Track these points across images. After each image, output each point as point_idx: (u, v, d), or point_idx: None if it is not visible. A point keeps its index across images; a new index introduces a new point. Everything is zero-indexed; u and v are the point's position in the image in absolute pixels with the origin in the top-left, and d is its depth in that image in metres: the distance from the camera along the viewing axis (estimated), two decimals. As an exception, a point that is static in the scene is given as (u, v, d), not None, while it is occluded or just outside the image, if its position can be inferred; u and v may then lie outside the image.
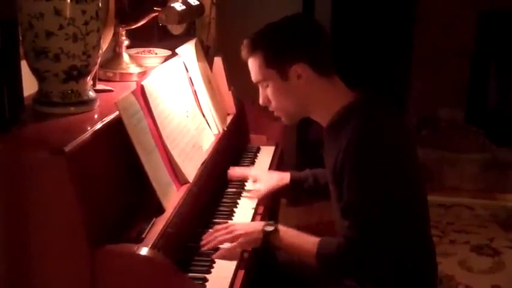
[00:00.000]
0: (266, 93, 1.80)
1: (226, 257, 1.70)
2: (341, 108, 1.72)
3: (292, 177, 2.15)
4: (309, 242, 1.72)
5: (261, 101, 1.83)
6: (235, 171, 2.22)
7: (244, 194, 2.14)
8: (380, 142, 1.65)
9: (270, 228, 1.74)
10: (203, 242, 1.76)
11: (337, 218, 1.78)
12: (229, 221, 1.92)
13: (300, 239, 1.75)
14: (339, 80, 1.78)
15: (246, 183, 2.22)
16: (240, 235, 1.74)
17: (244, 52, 1.79)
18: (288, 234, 1.75)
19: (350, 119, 1.68)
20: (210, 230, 1.82)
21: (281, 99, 1.77)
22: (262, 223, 1.78)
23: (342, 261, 1.68)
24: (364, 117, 1.68)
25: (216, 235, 1.76)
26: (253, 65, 1.78)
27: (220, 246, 1.74)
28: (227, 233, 1.75)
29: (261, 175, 2.19)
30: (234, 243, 1.72)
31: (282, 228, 1.75)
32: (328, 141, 1.78)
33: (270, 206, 2.21)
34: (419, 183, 1.76)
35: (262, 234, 1.73)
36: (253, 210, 2.03)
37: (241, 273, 1.67)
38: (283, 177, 2.15)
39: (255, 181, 2.18)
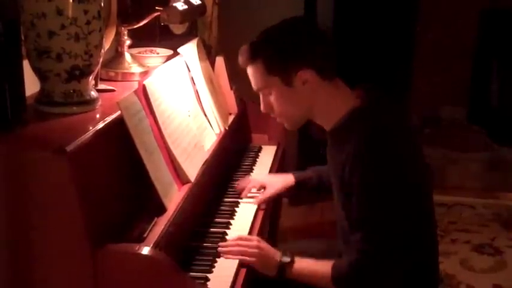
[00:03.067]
0: (268, 100, 1.76)
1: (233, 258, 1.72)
2: (346, 113, 1.70)
3: (296, 179, 2.14)
4: (323, 269, 1.69)
5: (262, 108, 1.80)
6: (242, 185, 2.16)
7: (245, 199, 2.10)
8: (388, 152, 1.62)
9: (287, 260, 1.71)
10: (223, 244, 1.76)
11: (342, 228, 1.77)
12: (231, 221, 1.93)
13: (313, 268, 1.71)
14: (342, 83, 1.75)
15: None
16: (258, 254, 1.72)
17: (242, 59, 1.74)
18: (302, 264, 1.72)
19: (355, 125, 1.66)
20: (220, 233, 1.85)
21: (285, 106, 1.74)
22: (280, 253, 1.73)
23: (356, 278, 1.64)
24: (370, 126, 1.65)
25: (239, 243, 1.75)
26: (253, 73, 1.73)
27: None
28: (249, 247, 1.73)
29: (266, 180, 2.16)
30: (251, 259, 1.71)
31: (297, 259, 1.72)
32: (333, 144, 1.76)
33: (271, 207, 2.21)
34: (426, 186, 1.74)
35: (278, 264, 1.71)
36: (254, 210, 2.03)
37: (243, 271, 1.68)
38: (287, 180, 2.15)
39: (261, 188, 2.15)
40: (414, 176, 1.67)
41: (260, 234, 1.91)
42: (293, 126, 1.82)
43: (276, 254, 1.73)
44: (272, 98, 1.74)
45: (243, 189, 2.13)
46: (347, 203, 1.67)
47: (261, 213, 2.04)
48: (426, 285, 1.80)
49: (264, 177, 2.22)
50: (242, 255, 1.72)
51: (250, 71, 1.74)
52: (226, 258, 1.71)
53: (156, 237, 1.50)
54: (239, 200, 2.09)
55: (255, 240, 1.78)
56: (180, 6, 2.14)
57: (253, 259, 1.71)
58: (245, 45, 1.74)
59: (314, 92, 1.69)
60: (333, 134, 1.75)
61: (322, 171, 2.10)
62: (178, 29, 2.67)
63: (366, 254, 1.61)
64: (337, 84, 1.74)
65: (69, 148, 1.36)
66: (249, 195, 2.11)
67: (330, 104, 1.72)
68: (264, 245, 1.76)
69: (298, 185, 2.14)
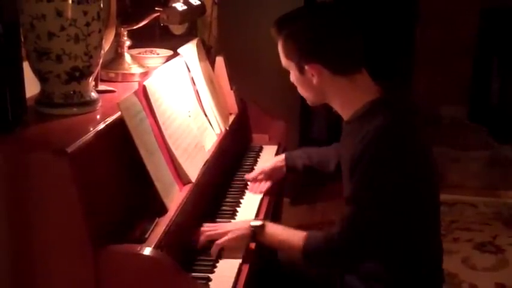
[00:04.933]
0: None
1: (225, 249, 1.74)
2: (363, 105, 1.70)
3: (287, 159, 2.22)
4: (295, 236, 1.73)
5: (291, 78, 1.81)
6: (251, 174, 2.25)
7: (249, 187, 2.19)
8: (399, 145, 1.63)
9: (257, 223, 1.77)
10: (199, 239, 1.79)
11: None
12: (233, 220, 1.93)
13: (286, 234, 1.77)
14: (363, 77, 1.74)
15: (248, 183, 2.23)
16: (227, 231, 1.77)
17: (272, 31, 1.77)
18: (275, 229, 1.78)
19: (371, 117, 1.66)
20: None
21: (300, 88, 1.79)
22: (250, 220, 1.81)
23: (329, 251, 1.68)
24: (386, 118, 1.65)
25: (203, 230, 1.79)
26: (279, 49, 1.77)
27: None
28: (214, 230, 1.79)
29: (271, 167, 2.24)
30: (223, 239, 1.75)
31: (268, 223, 1.78)
32: (348, 136, 1.77)
33: (272, 205, 2.21)
34: (430, 185, 1.75)
35: (249, 230, 1.76)
36: (256, 209, 2.03)
37: (245, 272, 1.68)
38: (279, 162, 2.24)
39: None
40: (417, 175, 1.67)
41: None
42: (311, 104, 1.84)
43: (245, 223, 1.80)
44: (291, 77, 1.79)
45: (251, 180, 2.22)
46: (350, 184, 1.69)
47: (262, 212, 2.04)
48: (429, 284, 1.80)
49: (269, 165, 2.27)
50: (213, 237, 1.75)
51: (278, 45, 1.77)
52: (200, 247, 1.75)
53: (158, 237, 1.50)
54: (240, 200, 2.09)
55: (218, 224, 1.85)
56: (180, 6, 2.14)
57: (224, 238, 1.74)
58: (277, 19, 1.76)
59: (324, 85, 1.71)
60: (348, 125, 1.76)
61: (312, 152, 2.18)
62: (178, 29, 2.67)
63: (348, 229, 1.64)
64: (355, 78, 1.71)
65: (70, 149, 1.36)
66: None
67: (343, 97, 1.73)
68: (229, 223, 1.86)
69: (288, 167, 2.22)
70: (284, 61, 1.77)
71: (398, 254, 1.72)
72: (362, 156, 1.61)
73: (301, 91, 1.80)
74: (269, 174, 2.21)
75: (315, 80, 1.70)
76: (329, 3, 1.79)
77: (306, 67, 1.70)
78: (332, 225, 1.71)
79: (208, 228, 1.80)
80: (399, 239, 1.69)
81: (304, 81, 1.74)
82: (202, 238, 1.77)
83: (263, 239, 1.77)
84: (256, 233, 1.76)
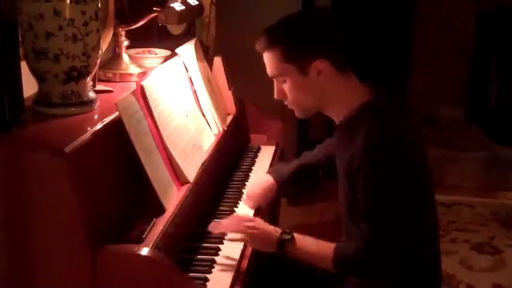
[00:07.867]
0: (281, 87, 1.76)
1: (235, 240, 1.75)
2: (356, 107, 1.71)
3: (278, 184, 2.11)
4: (325, 248, 1.70)
5: (276, 95, 1.80)
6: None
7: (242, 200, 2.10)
8: (393, 148, 1.63)
9: (287, 237, 1.72)
10: (215, 224, 1.78)
11: (343, 215, 1.79)
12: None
13: (315, 247, 1.73)
14: (354, 77, 1.76)
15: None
16: (258, 231, 1.72)
17: (260, 46, 1.74)
18: (304, 242, 1.73)
19: (363, 121, 1.67)
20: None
21: (298, 94, 1.74)
22: (280, 230, 1.74)
23: (361, 264, 1.67)
24: (377, 123, 1.66)
25: (237, 220, 1.78)
26: (270, 60, 1.74)
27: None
28: (245, 222, 1.75)
29: (248, 197, 2.10)
30: (248, 237, 1.73)
31: (298, 236, 1.73)
32: (341, 140, 1.77)
33: (270, 206, 2.21)
34: (429, 185, 1.76)
35: (278, 241, 1.71)
36: (254, 210, 2.03)
37: (242, 273, 1.68)
38: (269, 191, 2.09)
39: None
40: (417, 173, 1.68)
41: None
42: (303, 115, 1.82)
43: (275, 230, 1.74)
44: (286, 86, 1.75)
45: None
46: (351, 193, 1.69)
47: (260, 214, 2.04)
48: (427, 284, 1.80)
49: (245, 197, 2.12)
50: (239, 231, 1.73)
51: (266, 57, 1.74)
52: (221, 235, 1.76)
53: (155, 238, 1.50)
54: (238, 201, 2.09)
55: (253, 218, 1.81)
56: (178, 6, 2.14)
57: (248, 238, 1.72)
58: (264, 32, 1.74)
59: (327, 83, 1.70)
60: (342, 127, 1.76)
61: (303, 164, 2.13)
62: (176, 29, 2.66)
63: (371, 243, 1.63)
64: (350, 78, 1.74)
65: (68, 149, 1.36)
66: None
67: (341, 96, 1.73)
68: (261, 221, 1.78)
69: (282, 188, 2.13)
70: (279, 69, 1.72)
71: (407, 254, 1.69)
72: (361, 165, 1.62)
73: (298, 97, 1.74)
74: (260, 197, 2.09)
75: (321, 77, 1.69)
76: (319, 8, 1.79)
77: (313, 63, 1.67)
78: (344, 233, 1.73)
79: (244, 218, 1.79)
80: (411, 239, 1.67)
81: (306, 84, 1.71)
82: (233, 228, 1.74)
83: (291, 252, 1.72)
84: (284, 245, 1.71)
